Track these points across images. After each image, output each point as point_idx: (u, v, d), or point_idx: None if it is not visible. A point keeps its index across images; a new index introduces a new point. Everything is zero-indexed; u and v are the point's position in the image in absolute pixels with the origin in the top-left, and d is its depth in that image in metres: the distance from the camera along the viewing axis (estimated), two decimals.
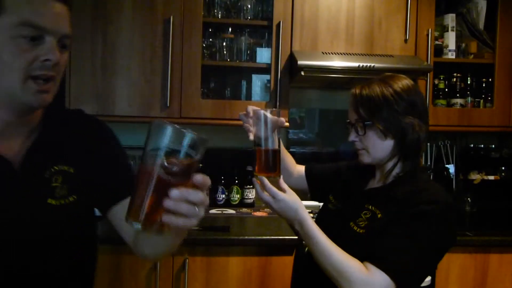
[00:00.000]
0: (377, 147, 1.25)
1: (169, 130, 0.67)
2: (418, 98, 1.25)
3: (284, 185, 1.22)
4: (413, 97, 1.24)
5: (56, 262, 0.97)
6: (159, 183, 0.68)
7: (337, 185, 1.44)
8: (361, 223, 1.21)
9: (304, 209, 1.21)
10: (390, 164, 1.27)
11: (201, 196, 0.70)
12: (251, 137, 1.27)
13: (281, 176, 1.25)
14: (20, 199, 0.93)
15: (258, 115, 1.23)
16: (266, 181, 1.19)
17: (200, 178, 0.70)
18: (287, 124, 2.41)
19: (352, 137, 1.28)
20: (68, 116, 1.08)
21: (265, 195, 1.20)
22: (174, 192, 0.67)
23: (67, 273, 0.99)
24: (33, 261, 0.93)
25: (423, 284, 2.13)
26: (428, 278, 2.14)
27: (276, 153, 1.26)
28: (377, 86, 1.24)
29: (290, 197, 1.20)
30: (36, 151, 0.97)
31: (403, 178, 1.24)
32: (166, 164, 0.68)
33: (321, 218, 1.42)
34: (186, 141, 0.68)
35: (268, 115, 1.23)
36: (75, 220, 0.99)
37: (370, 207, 1.23)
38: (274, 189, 1.20)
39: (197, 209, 0.71)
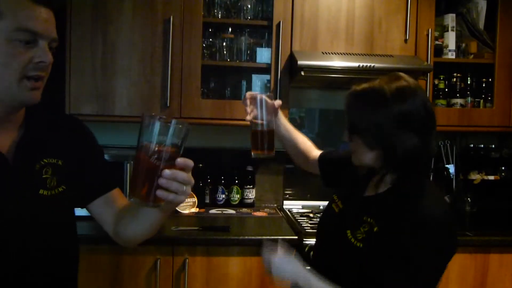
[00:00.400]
0: (362, 154, 1.19)
1: (156, 125, 0.86)
2: (413, 106, 1.12)
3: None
4: (407, 106, 1.12)
5: (47, 247, 1.07)
6: (153, 167, 0.87)
7: (345, 180, 1.40)
8: (359, 235, 1.16)
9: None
10: (381, 172, 1.20)
11: (185, 176, 0.88)
12: (248, 117, 1.41)
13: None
14: (15, 190, 1.02)
15: (255, 97, 1.39)
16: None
17: (182, 161, 0.88)
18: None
19: (345, 137, 1.23)
20: (48, 114, 1.16)
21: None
22: (166, 172, 0.86)
23: (56, 257, 1.10)
24: (27, 246, 1.03)
25: None
26: None
27: (271, 133, 1.40)
28: (370, 91, 1.16)
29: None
30: (25, 145, 1.05)
31: (397, 189, 1.16)
32: (156, 152, 0.86)
33: (324, 222, 1.42)
34: (171, 132, 0.86)
35: (264, 97, 1.39)
36: (64, 208, 1.12)
37: (368, 219, 1.16)
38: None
39: (184, 187, 0.88)
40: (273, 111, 1.43)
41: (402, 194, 1.15)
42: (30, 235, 1.03)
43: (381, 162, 1.17)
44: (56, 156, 1.10)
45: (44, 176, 1.06)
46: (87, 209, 1.22)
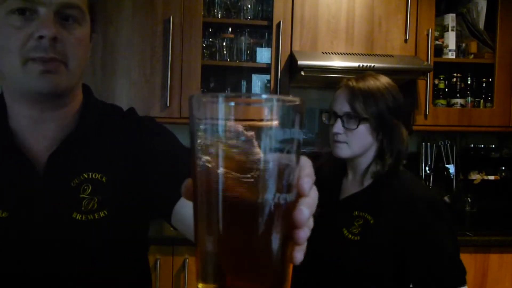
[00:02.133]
0: (361, 142, 1.23)
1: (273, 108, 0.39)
2: (402, 99, 1.26)
3: None
4: (400, 97, 1.26)
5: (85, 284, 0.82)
6: (277, 211, 0.39)
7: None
8: (354, 230, 1.20)
9: None
10: (365, 161, 1.26)
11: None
12: None
13: None
14: (41, 209, 0.80)
15: None
16: None
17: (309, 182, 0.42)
18: None
19: (339, 128, 1.23)
20: (109, 113, 0.92)
21: None
22: (305, 212, 0.40)
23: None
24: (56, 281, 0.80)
25: None
26: None
27: None
28: (372, 80, 1.23)
29: None
30: (64, 153, 0.82)
31: (384, 179, 1.23)
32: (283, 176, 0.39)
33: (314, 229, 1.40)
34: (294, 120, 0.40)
35: None
36: (109, 233, 0.83)
37: (360, 213, 1.21)
38: None
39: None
40: None
41: (393, 183, 1.22)
42: (61, 269, 0.80)
43: (372, 149, 1.25)
44: (101, 169, 0.83)
45: (81, 195, 0.81)
46: (173, 226, 0.86)
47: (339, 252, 1.21)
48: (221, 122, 0.38)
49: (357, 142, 1.23)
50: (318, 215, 1.36)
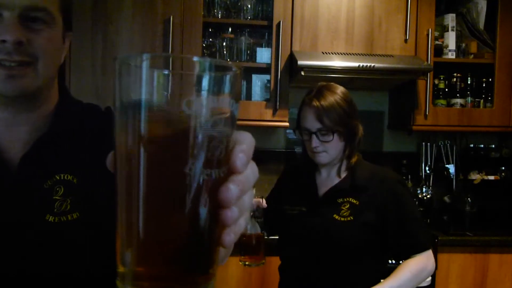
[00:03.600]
0: (336, 148, 1.44)
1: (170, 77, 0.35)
2: (352, 99, 1.48)
3: None
4: (353, 101, 1.47)
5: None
6: (193, 189, 0.35)
7: (286, 197, 1.59)
8: (345, 213, 1.41)
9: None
10: (338, 160, 1.48)
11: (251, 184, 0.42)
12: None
13: None
14: (14, 211, 0.78)
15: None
16: None
17: (245, 153, 0.39)
18: (287, 124, 2.41)
19: (316, 143, 1.42)
20: (84, 112, 0.91)
21: None
22: (232, 190, 0.37)
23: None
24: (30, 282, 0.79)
25: (423, 284, 2.14)
26: (429, 278, 2.14)
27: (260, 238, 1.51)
28: (331, 96, 1.43)
29: None
30: (37, 155, 0.81)
31: (355, 168, 1.47)
32: (202, 145, 0.35)
33: (306, 225, 1.48)
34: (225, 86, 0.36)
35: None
36: (79, 239, 0.81)
37: (345, 199, 1.44)
38: None
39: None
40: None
41: (364, 170, 1.48)
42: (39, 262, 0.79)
43: (344, 149, 1.47)
44: (71, 170, 0.82)
45: (54, 197, 0.80)
46: None
47: (335, 234, 1.40)
48: (145, 82, 0.34)
49: (333, 149, 1.44)
50: (302, 212, 1.44)
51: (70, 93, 0.93)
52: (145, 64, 0.35)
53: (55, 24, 0.79)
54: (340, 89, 1.47)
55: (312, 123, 1.43)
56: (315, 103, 1.42)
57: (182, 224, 0.36)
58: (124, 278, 0.37)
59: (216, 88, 0.35)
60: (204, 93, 0.34)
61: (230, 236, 0.38)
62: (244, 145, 0.38)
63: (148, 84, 0.34)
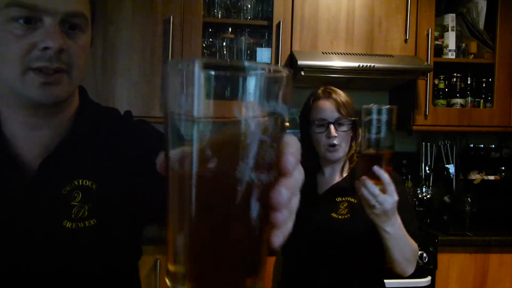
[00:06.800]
0: (347, 142, 1.46)
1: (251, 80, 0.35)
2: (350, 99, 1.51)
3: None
4: (349, 99, 1.51)
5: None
6: (243, 195, 0.35)
7: None
8: (343, 212, 1.44)
9: None
10: (343, 158, 1.48)
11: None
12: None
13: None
14: (30, 217, 0.77)
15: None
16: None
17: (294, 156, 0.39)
18: (287, 124, 2.41)
19: (334, 132, 1.42)
20: (104, 118, 0.90)
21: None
22: (283, 193, 0.37)
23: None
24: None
25: (423, 284, 2.14)
26: (428, 278, 2.14)
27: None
28: (341, 94, 1.48)
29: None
30: (56, 160, 0.80)
31: (356, 168, 1.48)
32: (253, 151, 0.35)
33: (308, 225, 1.49)
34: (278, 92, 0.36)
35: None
36: (95, 245, 0.81)
37: (343, 198, 1.45)
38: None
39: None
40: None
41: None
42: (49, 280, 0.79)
43: (351, 147, 1.49)
44: (90, 176, 0.81)
45: (72, 202, 0.79)
46: None
47: (333, 232, 1.41)
48: (197, 89, 0.34)
49: (345, 142, 1.46)
50: (302, 210, 1.48)
51: (88, 96, 0.93)
52: (197, 68, 0.34)
53: (88, 29, 0.80)
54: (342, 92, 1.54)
55: (331, 113, 1.45)
56: (334, 95, 1.47)
57: (236, 227, 0.36)
58: (175, 277, 0.38)
59: (267, 92, 0.35)
60: (255, 97, 0.34)
61: (279, 238, 0.39)
62: (293, 148, 0.39)
63: (200, 88, 0.34)
